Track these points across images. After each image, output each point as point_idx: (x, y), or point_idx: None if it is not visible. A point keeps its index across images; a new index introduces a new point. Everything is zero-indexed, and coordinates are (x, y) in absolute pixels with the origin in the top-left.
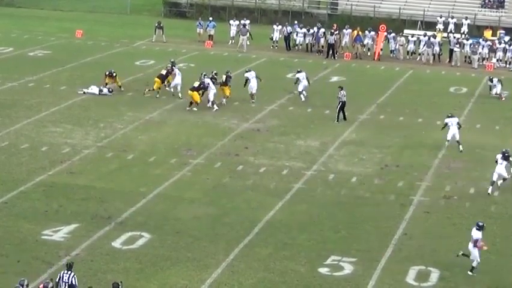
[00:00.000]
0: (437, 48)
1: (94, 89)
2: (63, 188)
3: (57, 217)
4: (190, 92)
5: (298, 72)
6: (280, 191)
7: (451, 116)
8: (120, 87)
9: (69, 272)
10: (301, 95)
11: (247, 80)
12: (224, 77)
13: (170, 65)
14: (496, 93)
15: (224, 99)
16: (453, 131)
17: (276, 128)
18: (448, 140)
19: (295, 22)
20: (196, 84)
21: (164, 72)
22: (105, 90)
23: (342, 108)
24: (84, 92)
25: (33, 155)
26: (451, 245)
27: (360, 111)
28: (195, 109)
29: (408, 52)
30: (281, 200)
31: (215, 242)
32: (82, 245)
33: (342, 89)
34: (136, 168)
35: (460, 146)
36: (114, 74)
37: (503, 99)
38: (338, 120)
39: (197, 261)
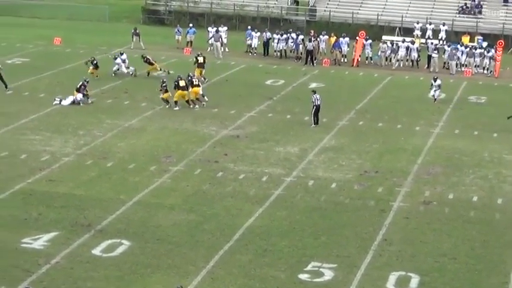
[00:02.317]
0: (415, 54)
1: (69, 100)
2: (42, 196)
3: (37, 225)
4: (181, 92)
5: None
6: (260, 197)
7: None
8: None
9: None
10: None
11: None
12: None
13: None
14: (433, 96)
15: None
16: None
17: (255, 134)
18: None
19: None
20: (183, 83)
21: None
22: (79, 97)
23: (316, 112)
24: (60, 102)
25: (12, 163)
26: (431, 251)
27: (339, 117)
28: (197, 107)
29: (386, 58)
30: (261, 206)
31: (195, 248)
32: (61, 252)
33: (315, 92)
34: (116, 175)
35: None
36: (95, 62)
37: (435, 102)
38: (314, 124)
39: (177, 268)
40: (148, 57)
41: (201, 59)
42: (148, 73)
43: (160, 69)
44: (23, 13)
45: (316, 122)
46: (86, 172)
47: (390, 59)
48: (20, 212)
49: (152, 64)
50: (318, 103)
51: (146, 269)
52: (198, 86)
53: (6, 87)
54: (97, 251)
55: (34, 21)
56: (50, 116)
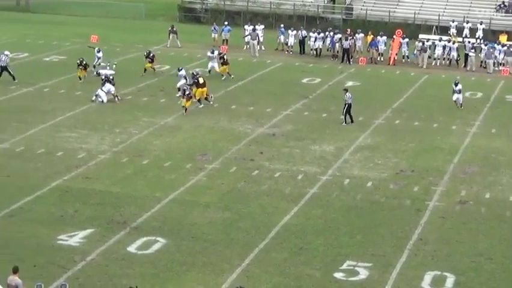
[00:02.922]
0: (454, 54)
1: (102, 95)
2: (78, 193)
3: (73, 222)
4: (200, 89)
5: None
6: (295, 195)
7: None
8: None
9: None
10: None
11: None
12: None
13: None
14: (456, 102)
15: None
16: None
17: (291, 132)
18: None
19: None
20: (202, 80)
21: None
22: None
23: (348, 111)
24: (93, 99)
25: (49, 160)
26: (467, 250)
27: (376, 116)
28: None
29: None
30: (296, 204)
31: (230, 246)
32: (97, 249)
33: (347, 91)
34: (151, 173)
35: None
36: (84, 63)
37: (461, 107)
38: (345, 122)
39: (212, 265)
40: (153, 54)
41: (201, 80)
42: (145, 70)
43: (155, 71)
44: (60, 11)
45: (351, 121)
46: (122, 170)
47: (429, 57)
48: (56, 209)
49: (151, 62)
50: (350, 102)
51: (181, 267)
52: (204, 86)
53: (14, 79)
54: (132, 248)
55: (71, 19)
56: (86, 114)
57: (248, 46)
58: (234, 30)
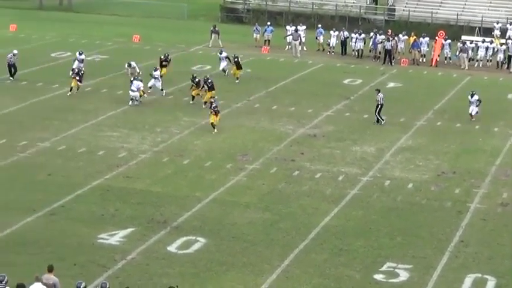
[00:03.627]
0: (501, 56)
1: (135, 95)
2: (119, 192)
3: (114, 221)
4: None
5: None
6: (336, 196)
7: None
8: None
9: None
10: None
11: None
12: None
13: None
14: (470, 114)
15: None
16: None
17: (332, 133)
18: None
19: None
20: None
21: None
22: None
23: (379, 111)
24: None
25: (90, 159)
26: (508, 253)
27: (417, 118)
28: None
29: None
30: (337, 205)
31: (270, 247)
32: (137, 248)
33: (379, 91)
34: (192, 173)
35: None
36: (169, 58)
37: (473, 119)
38: (378, 122)
39: (252, 266)
40: (170, 59)
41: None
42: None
43: (161, 76)
44: (103, 11)
45: (377, 121)
46: (163, 169)
47: (472, 59)
48: (97, 208)
49: (164, 67)
50: (382, 102)
51: (221, 267)
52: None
53: (12, 77)
54: (172, 248)
55: (113, 19)
56: (127, 113)
57: (290, 47)
58: (276, 31)
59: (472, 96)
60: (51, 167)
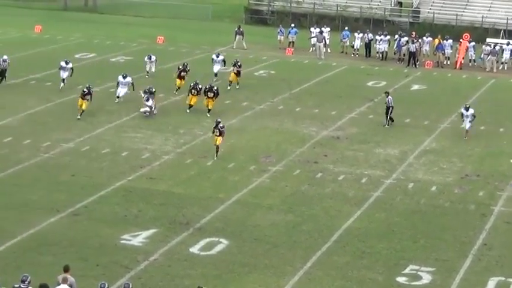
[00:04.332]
0: None
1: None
2: (142, 193)
3: (136, 222)
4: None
5: None
6: (359, 199)
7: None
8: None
9: None
10: None
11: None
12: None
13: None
14: (462, 127)
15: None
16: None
17: (355, 135)
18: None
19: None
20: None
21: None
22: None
23: (390, 113)
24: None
25: (113, 160)
26: None
27: (441, 120)
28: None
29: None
30: (360, 208)
31: (293, 249)
32: (160, 250)
33: (388, 94)
34: (215, 174)
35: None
36: (188, 69)
37: (466, 138)
38: (387, 125)
39: (274, 268)
40: (188, 69)
41: (210, 94)
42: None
43: (179, 88)
44: (127, 12)
45: (387, 123)
46: (186, 170)
47: (497, 61)
48: (120, 209)
49: (181, 79)
50: (392, 104)
51: (243, 268)
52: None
53: (5, 80)
54: (195, 249)
55: (138, 20)
56: (150, 115)
57: (314, 48)
58: (300, 33)
59: (467, 110)
60: (74, 167)
